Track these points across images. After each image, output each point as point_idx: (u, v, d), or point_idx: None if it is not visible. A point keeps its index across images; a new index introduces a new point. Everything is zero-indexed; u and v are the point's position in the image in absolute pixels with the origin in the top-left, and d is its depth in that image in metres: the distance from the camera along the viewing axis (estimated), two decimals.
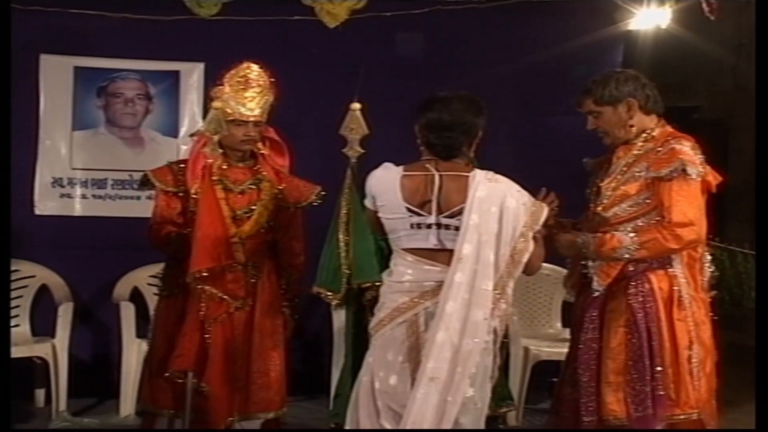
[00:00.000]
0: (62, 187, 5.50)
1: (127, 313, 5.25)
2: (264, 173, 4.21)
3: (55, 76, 5.45)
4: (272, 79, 4.12)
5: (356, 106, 3.82)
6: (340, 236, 4.21)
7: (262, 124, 4.15)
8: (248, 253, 4.10)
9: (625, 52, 5.93)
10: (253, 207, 4.15)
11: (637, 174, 3.64)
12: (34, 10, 5.08)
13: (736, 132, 8.32)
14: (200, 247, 3.89)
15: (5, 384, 3.30)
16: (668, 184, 3.54)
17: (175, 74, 5.56)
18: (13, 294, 5.28)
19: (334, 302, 4.29)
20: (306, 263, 4.37)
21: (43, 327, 5.34)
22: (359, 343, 3.98)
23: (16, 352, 5.00)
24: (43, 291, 5.39)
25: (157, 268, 4.48)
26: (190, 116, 5.57)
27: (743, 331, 6.51)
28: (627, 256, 3.54)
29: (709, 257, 3.76)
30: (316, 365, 5.55)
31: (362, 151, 3.77)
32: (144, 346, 4.92)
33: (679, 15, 5.73)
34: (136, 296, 5.35)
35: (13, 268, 5.17)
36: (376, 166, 3.40)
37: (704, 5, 5.34)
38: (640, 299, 3.60)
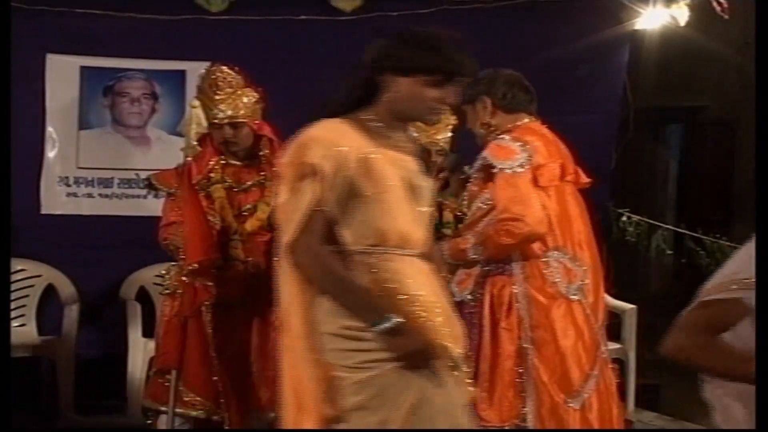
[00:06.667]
0: (68, 186, 5.49)
1: (133, 313, 5.26)
2: (267, 172, 4.21)
3: (62, 76, 5.44)
4: (242, 77, 4.10)
5: None
6: None
7: (243, 125, 4.11)
8: (248, 251, 4.11)
9: (631, 51, 5.92)
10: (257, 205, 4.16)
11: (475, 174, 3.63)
12: (40, 10, 5.08)
13: (742, 131, 8.27)
14: (189, 243, 3.95)
15: (5, 384, 3.29)
16: (494, 182, 3.48)
17: (181, 73, 5.55)
18: (20, 293, 5.29)
19: None
20: None
21: (50, 326, 5.35)
22: None
23: (22, 351, 5.02)
24: (50, 290, 5.39)
25: (164, 267, 4.48)
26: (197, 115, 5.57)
27: None
28: (475, 256, 3.48)
29: (562, 258, 3.51)
30: None
31: None
32: (150, 345, 4.93)
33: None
34: (143, 295, 5.35)
35: (19, 267, 5.18)
36: None
37: (715, 4, 5.31)
38: (472, 305, 3.53)
